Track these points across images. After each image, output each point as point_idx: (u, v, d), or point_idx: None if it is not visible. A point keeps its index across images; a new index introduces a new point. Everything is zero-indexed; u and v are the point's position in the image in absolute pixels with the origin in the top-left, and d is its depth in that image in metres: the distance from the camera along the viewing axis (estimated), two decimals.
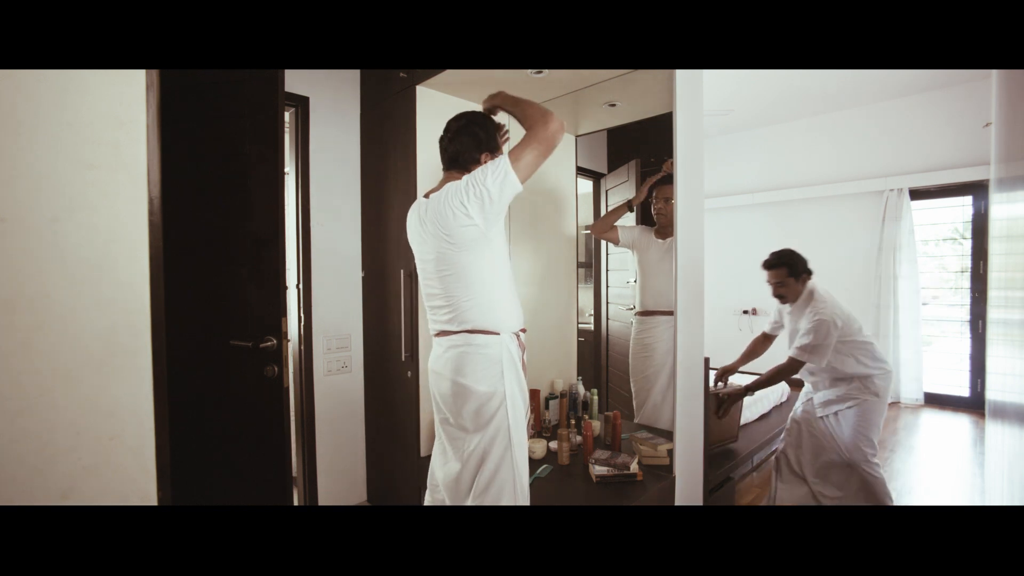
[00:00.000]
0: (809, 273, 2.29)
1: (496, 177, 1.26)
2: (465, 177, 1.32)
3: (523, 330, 1.47)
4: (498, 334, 1.38)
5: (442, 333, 1.44)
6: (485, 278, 1.37)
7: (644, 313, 2.35)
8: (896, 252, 4.51)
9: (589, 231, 2.75)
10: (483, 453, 1.38)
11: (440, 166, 1.53)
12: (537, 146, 1.27)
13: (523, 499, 1.40)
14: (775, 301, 2.42)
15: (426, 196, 1.46)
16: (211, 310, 1.70)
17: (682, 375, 1.85)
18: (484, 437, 1.37)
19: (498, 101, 1.46)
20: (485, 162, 1.41)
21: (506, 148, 1.47)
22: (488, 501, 1.37)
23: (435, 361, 1.46)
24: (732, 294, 5.67)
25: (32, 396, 0.67)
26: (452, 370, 1.39)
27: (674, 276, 1.84)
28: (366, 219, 2.50)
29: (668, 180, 2.28)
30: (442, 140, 1.48)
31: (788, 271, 2.26)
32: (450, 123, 1.48)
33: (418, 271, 1.50)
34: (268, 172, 1.63)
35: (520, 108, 1.37)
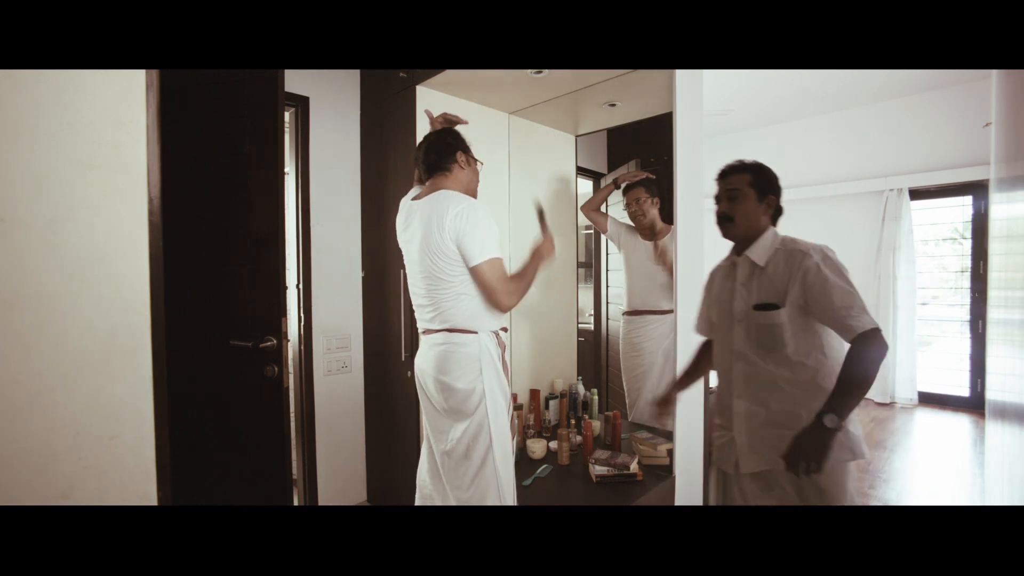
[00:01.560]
0: (779, 210, 1.45)
1: (474, 244, 1.35)
2: (466, 208, 1.37)
3: (504, 329, 1.51)
4: (476, 333, 1.42)
5: (427, 331, 1.49)
6: (466, 280, 1.41)
7: (631, 313, 2.35)
8: (895, 252, 4.51)
9: (588, 227, 2.75)
10: (465, 449, 1.41)
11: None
12: (493, 295, 1.39)
13: (508, 496, 1.42)
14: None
15: (414, 199, 1.52)
16: (211, 310, 1.70)
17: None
18: (466, 432, 1.41)
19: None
20: (460, 161, 1.52)
21: (481, 169, 1.61)
22: (473, 499, 1.40)
23: (420, 359, 1.52)
24: None
25: (32, 396, 0.67)
26: (435, 368, 1.44)
27: (674, 276, 1.84)
28: (366, 219, 2.50)
29: (636, 184, 2.30)
30: (417, 156, 1.56)
31: (751, 178, 1.38)
32: (420, 144, 1.57)
33: (406, 269, 1.55)
34: (268, 172, 1.63)
35: (523, 269, 1.49)
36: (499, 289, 1.38)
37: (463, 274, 1.40)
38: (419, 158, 1.56)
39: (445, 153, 1.51)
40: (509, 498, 1.42)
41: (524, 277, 1.46)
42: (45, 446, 0.68)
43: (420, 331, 1.53)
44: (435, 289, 1.42)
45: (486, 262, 1.36)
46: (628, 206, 2.30)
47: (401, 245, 1.56)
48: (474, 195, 1.57)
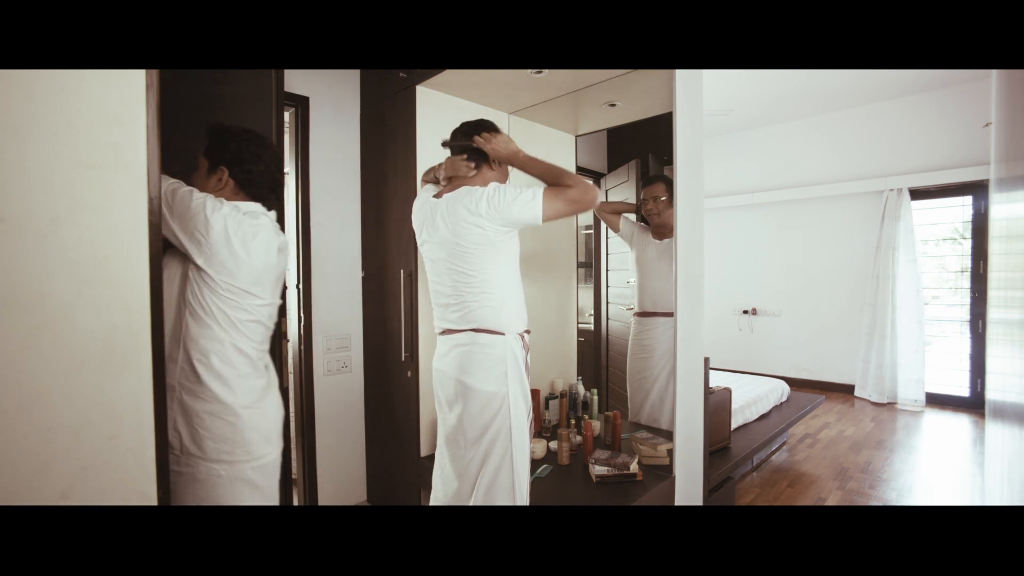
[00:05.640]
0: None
1: (521, 204, 1.32)
2: (493, 186, 1.36)
3: (527, 331, 1.49)
4: (503, 334, 1.40)
5: (447, 331, 1.46)
6: (494, 280, 1.39)
7: (642, 314, 2.35)
8: (895, 252, 4.51)
9: (588, 227, 2.76)
10: (484, 456, 1.39)
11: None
12: (573, 205, 1.33)
13: (522, 501, 1.40)
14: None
15: (435, 196, 1.50)
16: None
17: (682, 375, 1.85)
18: (483, 442, 1.38)
19: (518, 162, 1.45)
20: (493, 162, 1.48)
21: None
22: (487, 503, 1.38)
23: (439, 360, 1.48)
24: (732, 294, 5.68)
25: (32, 396, 0.67)
26: (456, 368, 1.41)
27: (674, 276, 1.84)
28: (366, 219, 2.50)
29: (652, 180, 2.29)
30: (449, 148, 1.53)
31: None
32: (454, 133, 1.53)
33: (427, 268, 1.52)
34: None
35: (554, 174, 1.38)
36: (571, 199, 1.32)
37: (494, 268, 1.39)
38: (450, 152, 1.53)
39: (476, 154, 1.48)
40: (523, 503, 1.40)
41: (551, 171, 1.39)
42: (45, 446, 0.68)
43: (438, 331, 1.50)
44: (463, 288, 1.40)
45: (543, 202, 1.32)
46: (645, 202, 2.29)
47: (421, 244, 1.53)
48: None
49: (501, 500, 1.38)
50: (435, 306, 1.50)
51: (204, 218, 1.12)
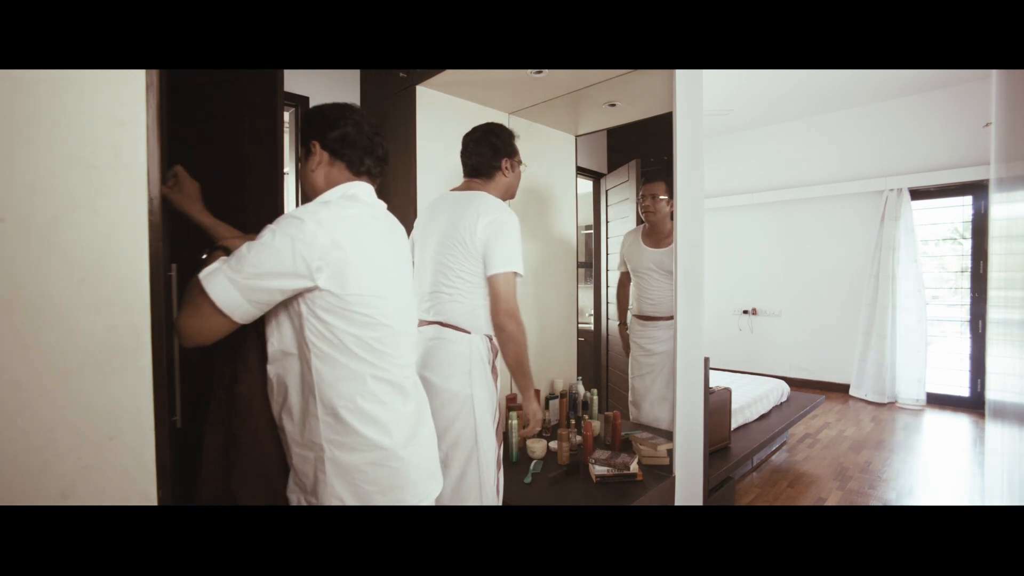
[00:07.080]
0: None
1: (498, 263, 1.36)
2: (494, 229, 1.37)
3: None
4: (469, 333, 1.40)
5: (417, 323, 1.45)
6: (474, 279, 1.40)
7: (642, 318, 2.37)
8: (895, 252, 4.51)
9: (588, 227, 2.76)
10: (444, 458, 1.36)
11: (446, 173, 1.58)
12: (507, 310, 1.37)
13: (489, 502, 1.39)
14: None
15: (452, 190, 1.53)
16: None
17: (682, 375, 1.85)
18: (443, 444, 1.36)
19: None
20: (505, 167, 1.51)
21: (523, 170, 1.62)
22: (453, 503, 1.37)
23: None
24: (732, 294, 5.68)
25: (32, 396, 0.67)
26: (420, 363, 1.39)
27: (674, 276, 1.84)
28: None
29: (653, 177, 2.29)
30: (463, 154, 1.55)
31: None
32: (466, 138, 1.55)
33: (415, 256, 1.53)
34: (268, 172, 1.63)
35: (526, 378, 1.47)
36: (508, 304, 1.37)
37: (475, 274, 1.40)
38: (463, 156, 1.55)
39: (489, 157, 1.50)
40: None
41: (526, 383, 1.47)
42: (45, 446, 0.68)
43: None
44: (442, 281, 1.41)
45: (503, 274, 1.36)
46: (644, 199, 2.30)
47: (418, 234, 1.54)
48: (513, 196, 1.58)
49: (468, 502, 1.38)
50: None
51: (267, 251, 0.88)
